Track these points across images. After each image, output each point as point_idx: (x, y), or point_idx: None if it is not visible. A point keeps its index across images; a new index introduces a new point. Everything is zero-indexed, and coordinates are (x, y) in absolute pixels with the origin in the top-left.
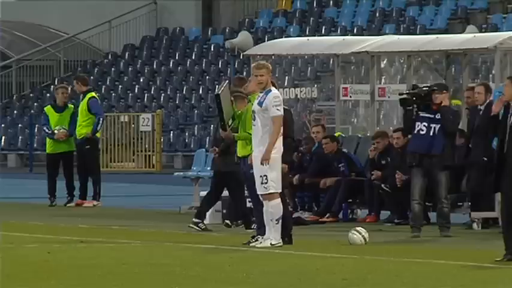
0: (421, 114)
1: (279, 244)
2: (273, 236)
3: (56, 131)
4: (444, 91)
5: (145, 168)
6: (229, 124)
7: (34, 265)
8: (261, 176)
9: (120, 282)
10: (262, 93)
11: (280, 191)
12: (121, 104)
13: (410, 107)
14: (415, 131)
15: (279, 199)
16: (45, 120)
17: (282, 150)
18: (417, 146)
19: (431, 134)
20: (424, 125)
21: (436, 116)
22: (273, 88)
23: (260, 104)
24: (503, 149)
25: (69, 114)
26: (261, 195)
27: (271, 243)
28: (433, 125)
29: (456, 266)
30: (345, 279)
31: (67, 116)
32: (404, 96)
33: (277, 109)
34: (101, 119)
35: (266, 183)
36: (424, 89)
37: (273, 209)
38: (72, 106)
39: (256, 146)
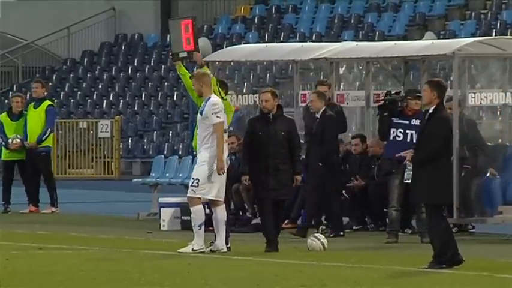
0: (395, 121)
1: (201, 250)
2: (195, 241)
3: (10, 141)
4: (418, 96)
5: (104, 175)
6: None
7: None
8: (193, 179)
9: None
10: (204, 102)
11: (200, 197)
12: (79, 110)
13: (387, 113)
14: (391, 138)
15: (201, 205)
16: (1, 128)
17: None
18: (396, 153)
19: (408, 140)
20: (400, 131)
21: (412, 122)
22: (212, 95)
23: (201, 112)
24: None
25: (25, 122)
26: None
27: (192, 249)
28: (409, 131)
29: (415, 272)
30: (304, 285)
31: (22, 125)
32: (381, 103)
33: (217, 116)
34: (50, 130)
35: (196, 186)
36: (401, 95)
37: (195, 214)
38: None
39: (198, 151)
